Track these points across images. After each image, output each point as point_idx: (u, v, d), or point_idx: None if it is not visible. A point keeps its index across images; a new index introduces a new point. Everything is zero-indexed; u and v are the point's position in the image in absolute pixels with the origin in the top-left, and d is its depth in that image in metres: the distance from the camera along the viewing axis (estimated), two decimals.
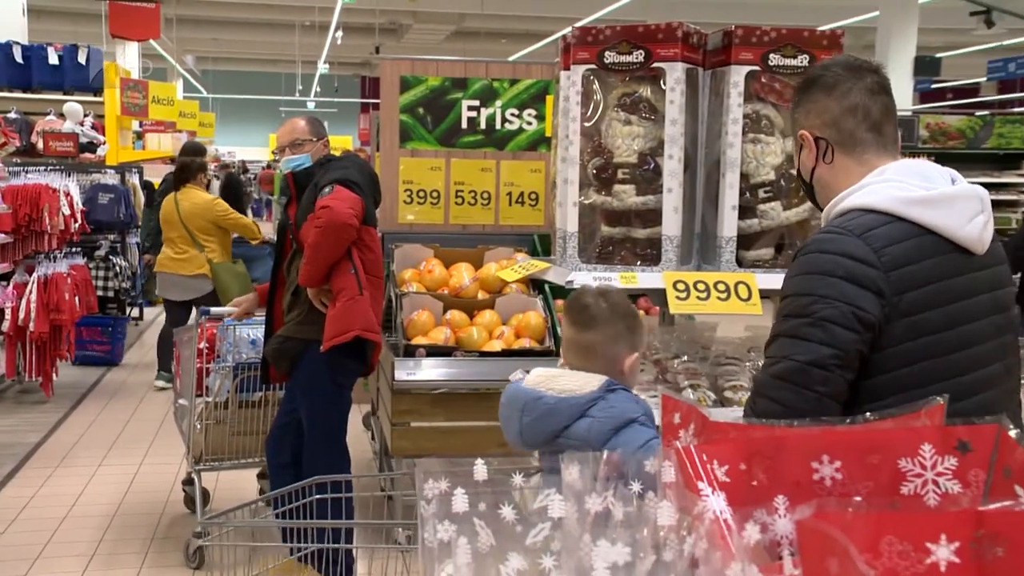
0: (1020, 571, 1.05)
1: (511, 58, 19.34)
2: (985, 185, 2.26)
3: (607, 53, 3.10)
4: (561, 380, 2.45)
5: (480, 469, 1.63)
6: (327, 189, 4.27)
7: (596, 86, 3.17)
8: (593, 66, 3.11)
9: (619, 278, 3.02)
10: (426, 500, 1.53)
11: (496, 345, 5.07)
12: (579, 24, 3.48)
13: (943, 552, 1.07)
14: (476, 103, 6.02)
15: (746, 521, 1.28)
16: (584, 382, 2.43)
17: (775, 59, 2.96)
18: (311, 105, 38.18)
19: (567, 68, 3.20)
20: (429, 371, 4.95)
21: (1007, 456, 1.30)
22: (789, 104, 3.03)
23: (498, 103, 6.03)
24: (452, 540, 1.38)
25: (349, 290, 4.26)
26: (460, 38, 25.56)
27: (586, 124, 3.16)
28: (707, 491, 1.35)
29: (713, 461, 1.40)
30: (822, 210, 2.25)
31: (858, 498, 1.33)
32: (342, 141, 26.35)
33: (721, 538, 1.23)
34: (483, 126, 6.02)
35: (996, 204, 8.00)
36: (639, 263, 3.10)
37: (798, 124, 2.23)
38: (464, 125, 6.02)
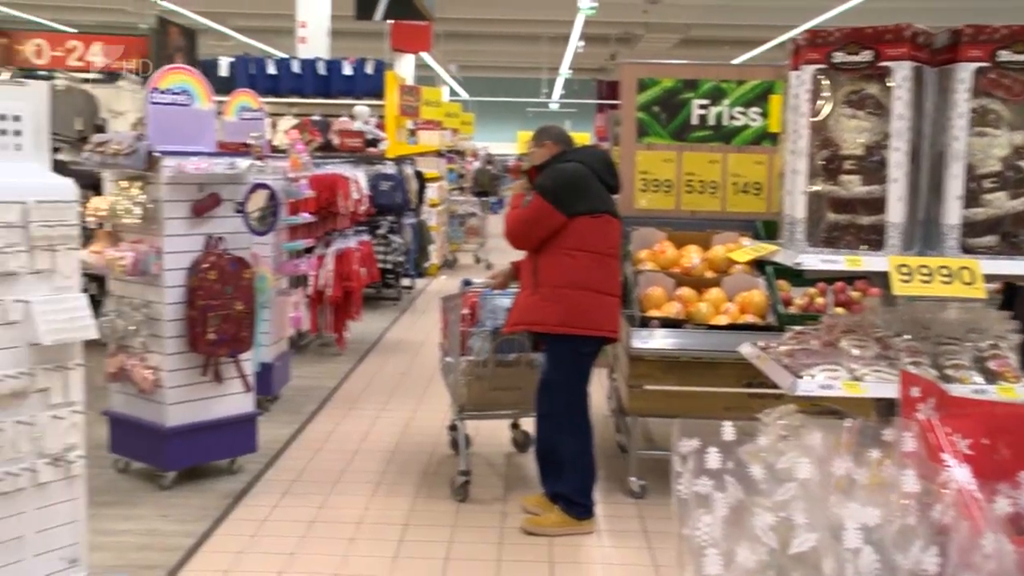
0: None
1: (733, 62, 18.84)
2: None
3: (835, 54, 2.97)
4: None
5: (728, 430, 1.58)
6: (528, 197, 4.48)
7: (824, 84, 3.03)
8: (822, 66, 2.99)
9: (845, 261, 2.89)
10: (681, 456, 1.50)
11: (722, 319, 4.96)
12: (804, 27, 3.33)
13: None
14: (706, 102, 5.89)
15: (994, 494, 1.18)
16: None
17: (1005, 55, 2.73)
18: (554, 106, 38.46)
19: (796, 68, 3.08)
20: (661, 340, 4.90)
21: None
22: (1020, 98, 2.81)
23: (726, 102, 5.88)
24: (709, 494, 1.34)
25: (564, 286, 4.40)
26: (686, 45, 25.10)
27: (814, 119, 3.04)
28: (951, 462, 1.26)
29: (956, 434, 1.31)
30: None
31: None
32: (581, 137, 26.29)
33: (970, 509, 1.15)
34: (712, 123, 5.89)
35: None
36: (863, 247, 2.97)
37: None
38: (695, 122, 5.91)
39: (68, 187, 3.45)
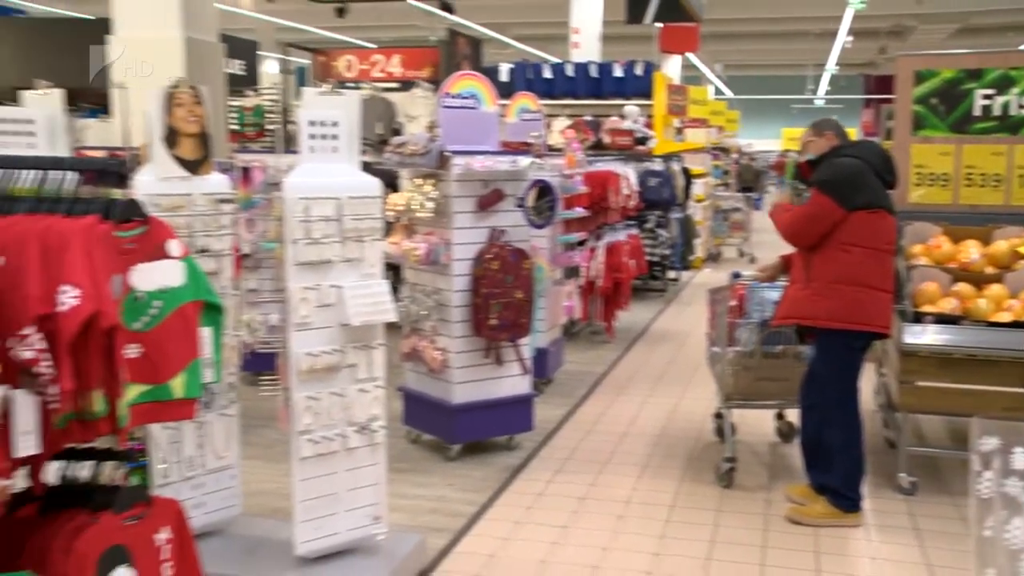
0: None
1: (1022, 47, 17.31)
2: None
3: None
4: None
5: None
6: (806, 194, 4.37)
7: None
8: None
9: None
10: (981, 454, 1.44)
11: (1005, 316, 4.63)
12: None
13: None
14: (991, 92, 5.50)
15: None
16: None
17: None
18: (819, 103, 36.90)
19: None
20: (935, 336, 4.64)
21: None
22: None
23: (1014, 90, 5.46)
24: (1017, 495, 1.28)
25: (856, 284, 4.27)
26: (963, 35, 23.32)
27: None
28: None
29: None
30: None
31: None
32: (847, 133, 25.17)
33: None
34: (997, 113, 5.50)
35: None
36: None
37: None
38: (977, 113, 5.54)
39: (375, 184, 3.76)
